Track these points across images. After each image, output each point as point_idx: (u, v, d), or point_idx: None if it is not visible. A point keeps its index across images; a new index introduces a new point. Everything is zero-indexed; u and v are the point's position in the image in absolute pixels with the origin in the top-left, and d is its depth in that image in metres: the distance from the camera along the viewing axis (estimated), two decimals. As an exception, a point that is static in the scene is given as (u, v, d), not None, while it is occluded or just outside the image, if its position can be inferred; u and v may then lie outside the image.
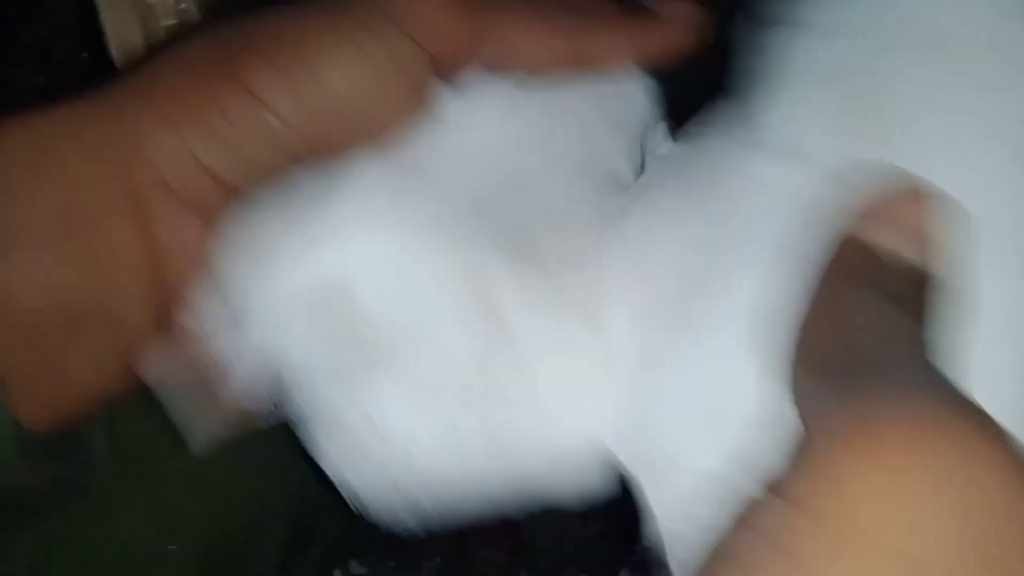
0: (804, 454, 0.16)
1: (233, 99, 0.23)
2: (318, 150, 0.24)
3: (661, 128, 0.27)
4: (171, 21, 0.34)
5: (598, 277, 0.24)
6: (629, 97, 0.27)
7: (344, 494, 0.24)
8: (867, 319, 0.18)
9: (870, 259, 0.19)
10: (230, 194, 0.24)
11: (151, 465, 0.31)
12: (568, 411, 0.23)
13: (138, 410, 0.25)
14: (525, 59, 0.25)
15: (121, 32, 0.34)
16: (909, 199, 0.20)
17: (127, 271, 0.24)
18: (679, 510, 0.21)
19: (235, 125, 0.23)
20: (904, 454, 0.15)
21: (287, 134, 0.24)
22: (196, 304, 0.24)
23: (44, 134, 0.23)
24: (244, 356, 0.23)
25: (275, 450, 0.32)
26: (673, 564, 0.21)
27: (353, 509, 0.24)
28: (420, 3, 0.24)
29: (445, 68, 0.25)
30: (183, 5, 0.34)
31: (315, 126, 0.24)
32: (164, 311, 0.24)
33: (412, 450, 0.23)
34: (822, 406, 0.17)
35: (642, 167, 0.27)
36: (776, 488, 0.16)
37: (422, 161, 0.24)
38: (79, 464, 0.27)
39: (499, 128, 0.25)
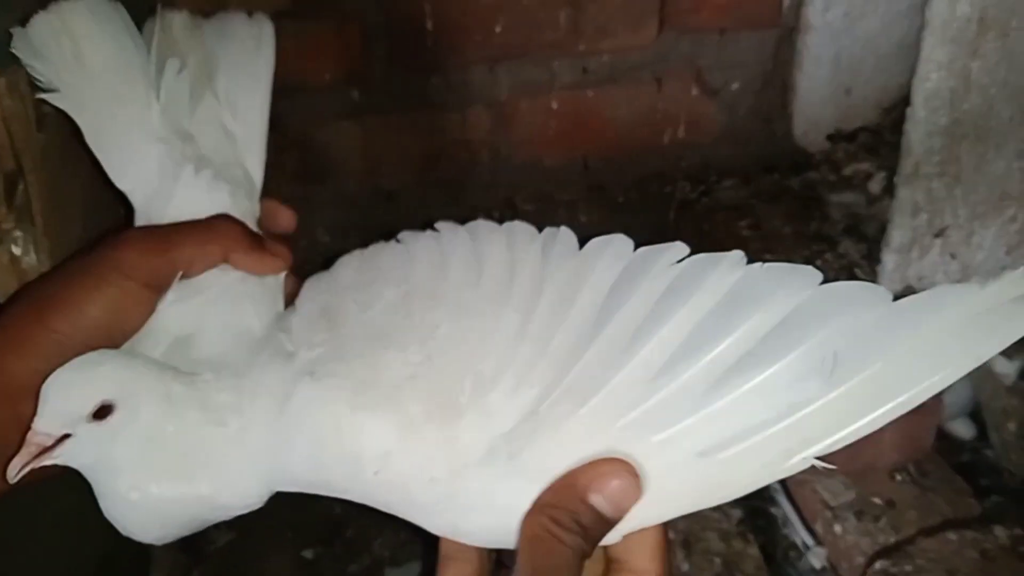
0: None
1: (41, 333, 0.42)
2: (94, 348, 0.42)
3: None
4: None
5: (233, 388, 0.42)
6: (263, 281, 0.48)
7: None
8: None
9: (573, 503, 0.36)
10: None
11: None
12: (225, 477, 0.41)
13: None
14: (195, 269, 0.46)
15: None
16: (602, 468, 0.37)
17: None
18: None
19: (43, 347, 0.42)
20: None
21: (74, 345, 0.42)
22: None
23: None
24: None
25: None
26: None
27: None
28: (130, 256, 0.44)
29: (155, 287, 0.44)
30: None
31: (87, 338, 0.42)
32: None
33: (143, 498, 0.40)
34: None
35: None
36: None
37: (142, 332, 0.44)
38: None
39: (181, 310, 0.45)
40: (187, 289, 0.45)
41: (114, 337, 0.43)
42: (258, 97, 0.55)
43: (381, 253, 0.49)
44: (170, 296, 0.45)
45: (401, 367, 0.40)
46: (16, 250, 0.50)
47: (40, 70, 0.48)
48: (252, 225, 0.50)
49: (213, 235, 0.47)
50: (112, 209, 0.69)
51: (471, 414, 0.38)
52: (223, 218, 0.48)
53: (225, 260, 0.47)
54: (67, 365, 0.40)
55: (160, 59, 0.51)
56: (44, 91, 0.49)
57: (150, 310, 0.45)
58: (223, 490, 0.41)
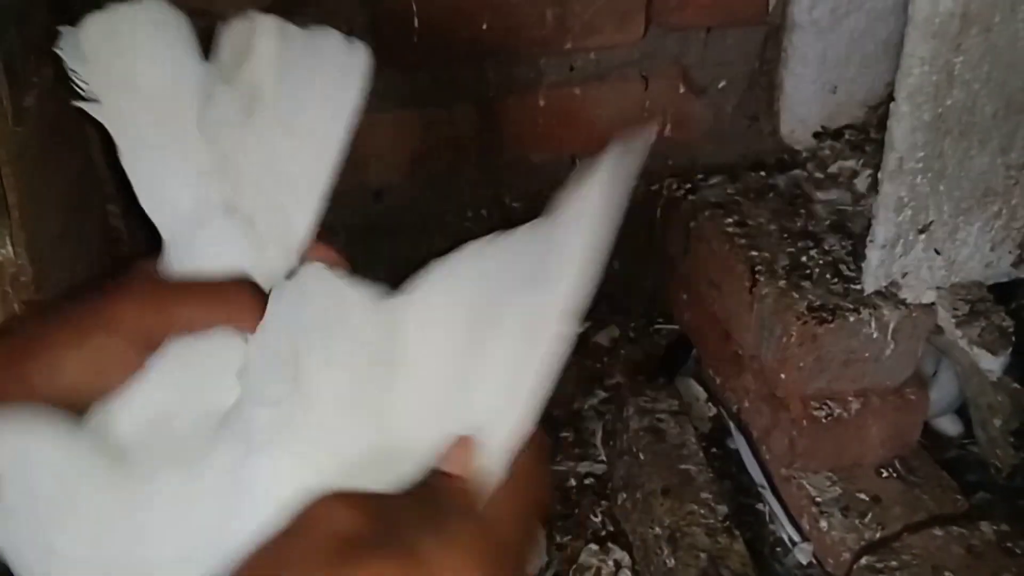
0: None
1: (19, 390, 0.39)
2: (72, 406, 0.39)
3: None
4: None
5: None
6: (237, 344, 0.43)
7: None
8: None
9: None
10: None
11: None
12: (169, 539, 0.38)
13: None
14: (193, 328, 0.42)
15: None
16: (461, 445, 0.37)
17: None
18: None
19: (21, 403, 0.38)
20: None
21: (50, 401, 0.38)
22: None
23: None
24: None
25: None
26: None
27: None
28: (121, 312, 0.41)
29: (144, 344, 0.41)
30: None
31: (64, 395, 0.39)
32: None
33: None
34: None
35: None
36: None
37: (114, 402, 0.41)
38: None
39: (164, 378, 0.41)
40: (177, 348, 0.42)
41: (92, 394, 0.41)
42: (329, 136, 0.46)
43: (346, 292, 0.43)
44: (159, 359, 0.41)
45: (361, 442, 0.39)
46: (-9, 242, 0.50)
47: (84, 76, 0.43)
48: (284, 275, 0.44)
49: (221, 303, 0.43)
50: (95, 206, 0.69)
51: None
52: (238, 287, 0.43)
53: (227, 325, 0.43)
54: None
55: (223, 75, 0.44)
56: (83, 100, 0.43)
57: (134, 367, 0.41)
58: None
